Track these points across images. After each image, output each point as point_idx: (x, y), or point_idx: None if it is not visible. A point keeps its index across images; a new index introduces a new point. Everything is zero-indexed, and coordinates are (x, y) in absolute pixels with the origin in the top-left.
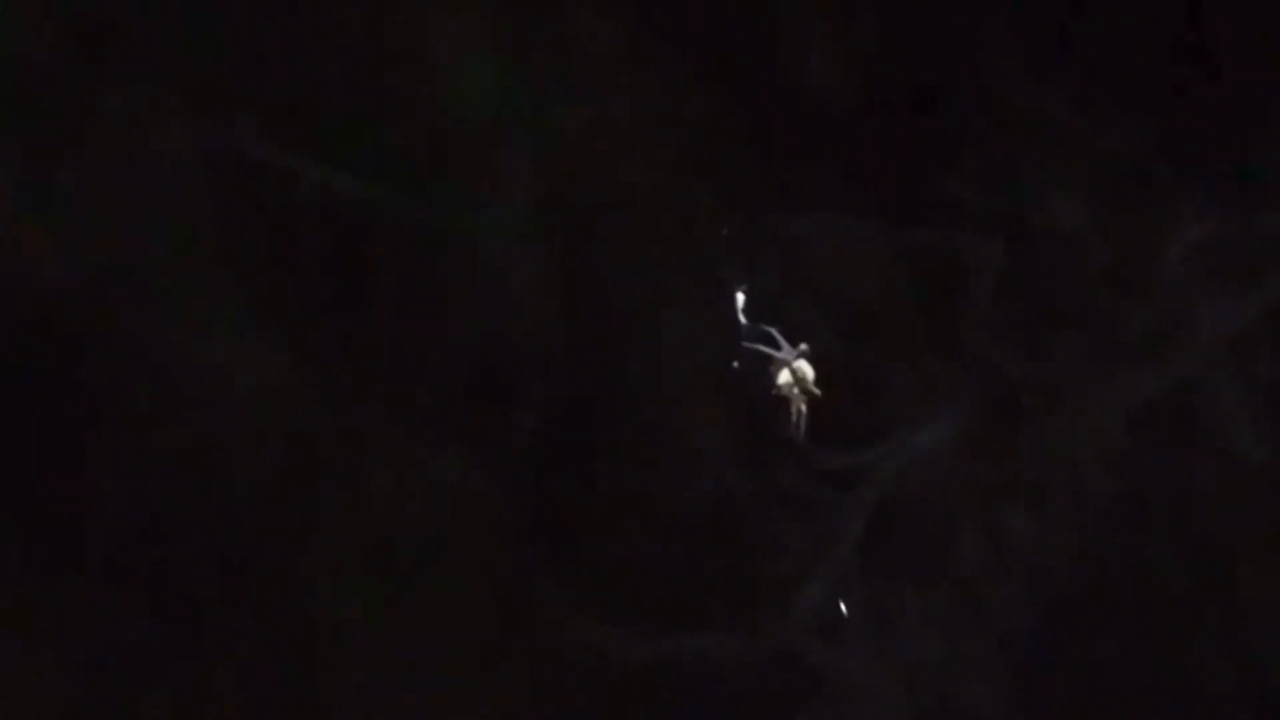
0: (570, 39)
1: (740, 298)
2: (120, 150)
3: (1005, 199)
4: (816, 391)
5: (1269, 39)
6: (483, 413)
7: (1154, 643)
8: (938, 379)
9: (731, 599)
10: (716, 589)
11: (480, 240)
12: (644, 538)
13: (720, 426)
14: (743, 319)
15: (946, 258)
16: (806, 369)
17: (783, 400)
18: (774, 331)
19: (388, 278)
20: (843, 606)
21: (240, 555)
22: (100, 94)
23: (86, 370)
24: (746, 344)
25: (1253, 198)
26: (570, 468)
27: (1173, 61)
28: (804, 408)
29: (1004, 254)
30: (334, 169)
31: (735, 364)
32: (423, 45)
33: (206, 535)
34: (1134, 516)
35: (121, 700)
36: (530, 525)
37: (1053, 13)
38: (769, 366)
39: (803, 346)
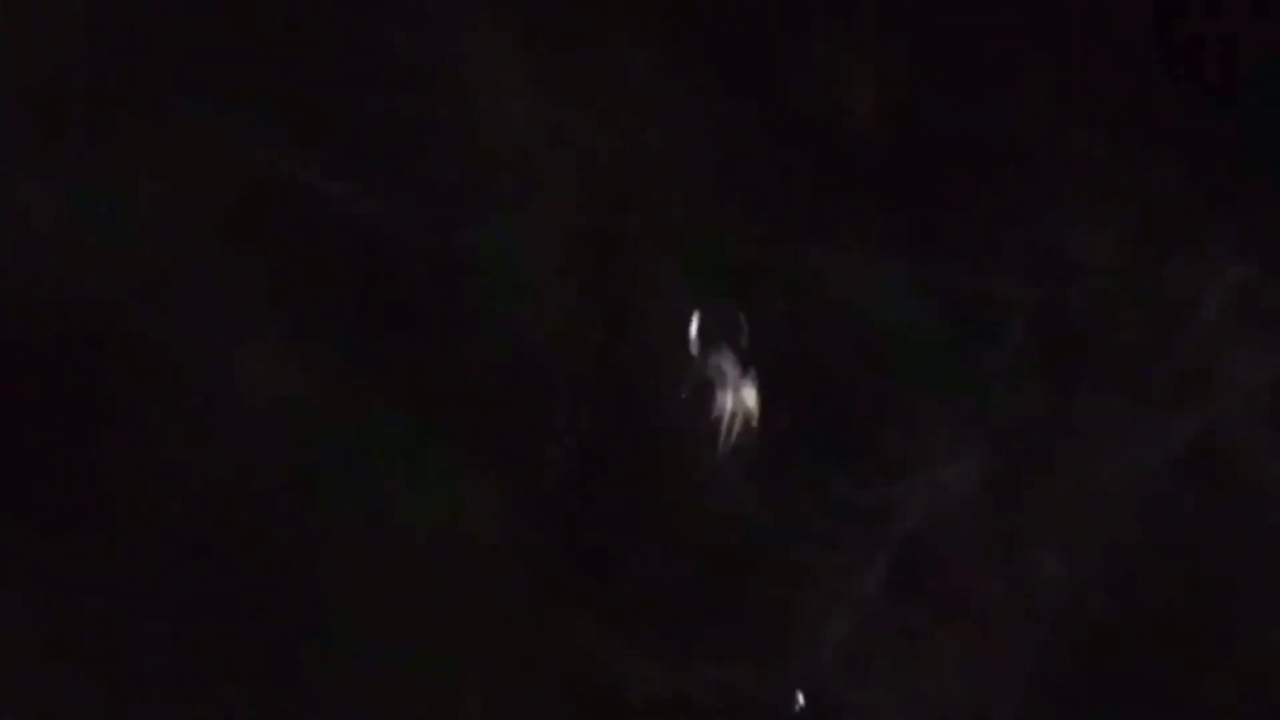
0: (606, 66)
1: (695, 323)
2: (154, 168)
3: (1037, 237)
4: (753, 423)
5: None
6: (511, 440)
7: (1181, 689)
8: (966, 417)
9: (756, 632)
10: (742, 622)
11: (513, 267)
12: (671, 569)
13: (750, 459)
14: (694, 345)
15: (977, 295)
16: (750, 399)
17: (719, 424)
18: (730, 355)
19: (419, 302)
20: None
21: (261, 573)
22: (136, 111)
23: (114, 386)
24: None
25: None
26: (598, 497)
27: (1210, 99)
28: (734, 436)
29: (1035, 293)
30: (367, 192)
31: (684, 395)
32: (459, 70)
33: (227, 552)
34: (1164, 562)
35: (130, 711)
36: (556, 554)
37: (1086, 49)
38: (715, 390)
39: (752, 376)
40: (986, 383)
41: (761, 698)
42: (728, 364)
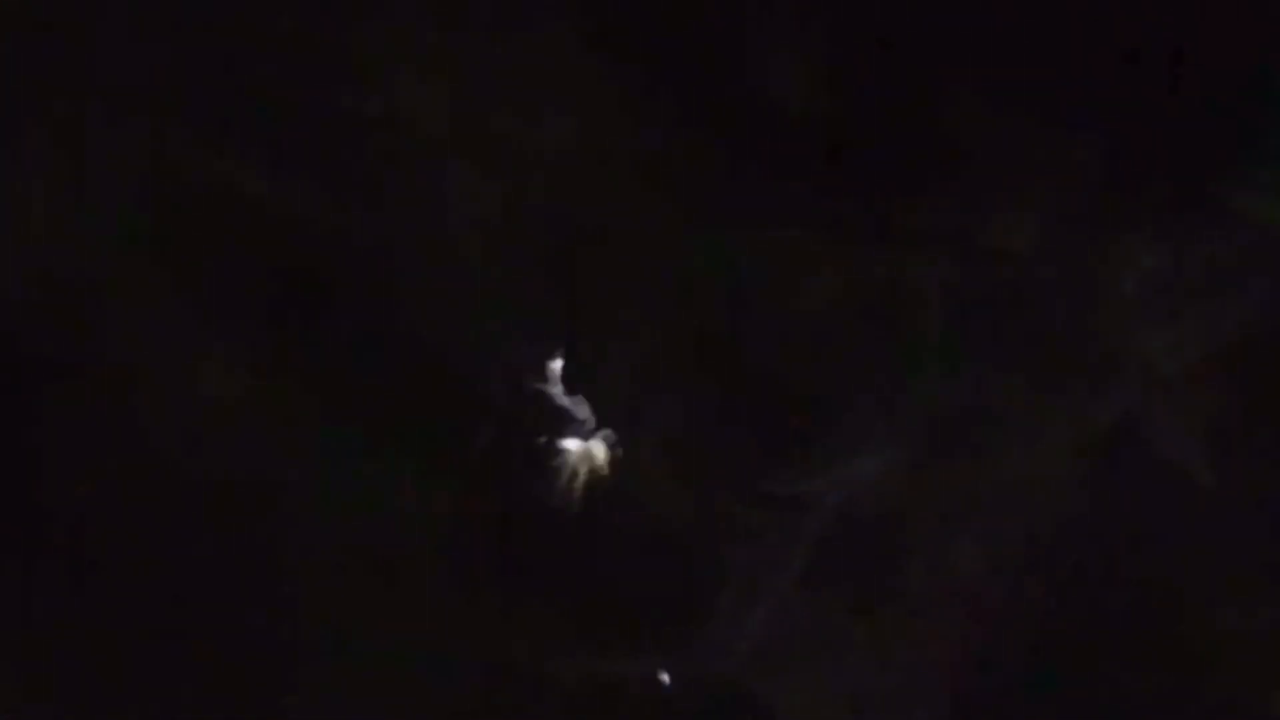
0: (527, 52)
1: (557, 367)
2: (70, 161)
3: (954, 221)
4: (601, 473)
5: (1233, 59)
6: (435, 428)
7: (1103, 675)
8: (886, 405)
9: (671, 623)
10: (656, 612)
11: (436, 256)
12: (581, 559)
13: (667, 448)
14: (561, 396)
15: (897, 280)
16: (599, 452)
17: (563, 470)
18: (587, 407)
19: (343, 293)
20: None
21: (203, 573)
22: (47, 102)
23: (40, 387)
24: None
25: (1210, 224)
26: (516, 487)
27: (1132, 83)
28: (578, 485)
29: (952, 277)
30: (288, 182)
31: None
32: (378, 57)
33: (167, 554)
34: (1083, 547)
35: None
36: (476, 542)
37: (1011, 31)
38: (563, 437)
39: (606, 432)
40: (903, 370)
41: (674, 690)
42: (583, 412)
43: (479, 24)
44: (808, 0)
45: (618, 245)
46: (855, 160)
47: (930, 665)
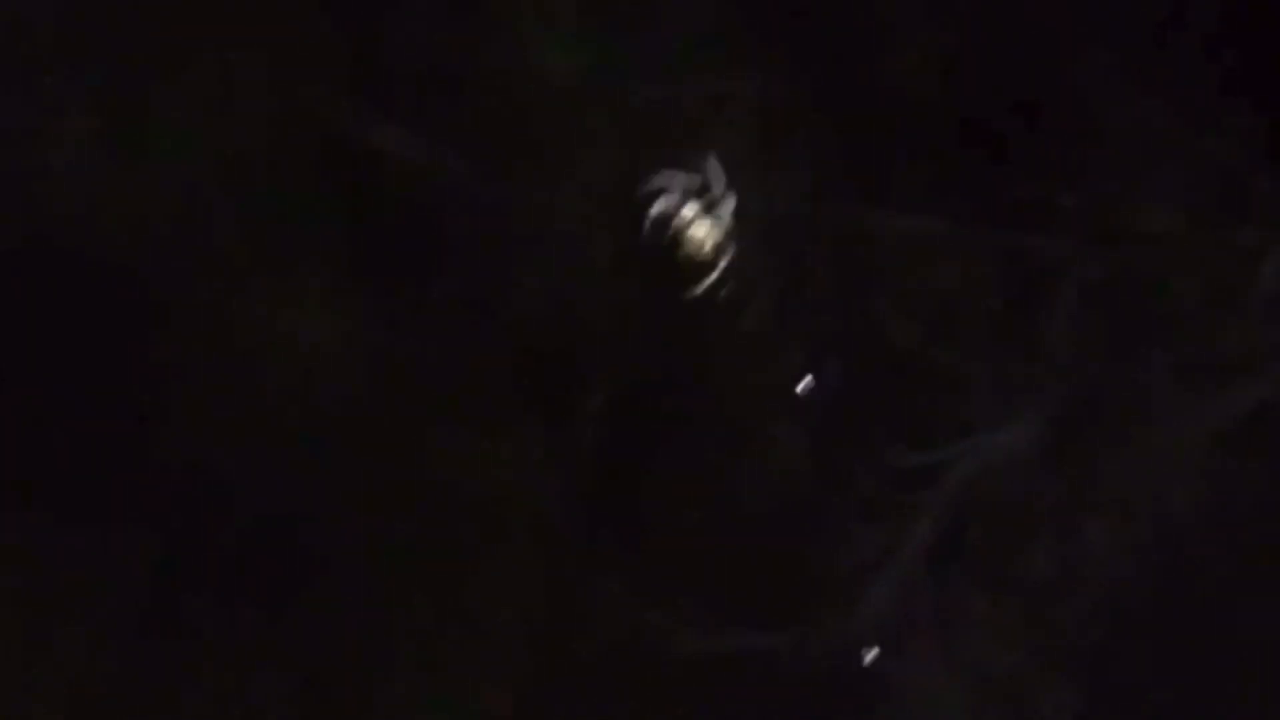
0: (657, 16)
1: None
2: (196, 109)
3: (1097, 204)
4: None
5: None
6: (549, 391)
7: (1230, 665)
8: (1019, 382)
9: (795, 596)
10: (780, 585)
11: (556, 215)
12: (708, 528)
13: (793, 417)
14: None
15: (1033, 260)
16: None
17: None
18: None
19: (460, 249)
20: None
21: (298, 526)
22: (180, 53)
23: (150, 333)
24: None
25: None
26: (635, 452)
27: (1276, 65)
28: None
29: (1094, 260)
30: (410, 135)
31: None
32: (506, 15)
33: (266, 505)
34: (1217, 536)
35: (171, 668)
36: (591, 509)
37: (1151, 16)
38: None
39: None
40: (1040, 348)
41: (797, 664)
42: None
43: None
44: None
45: (745, 213)
46: (984, 144)
47: (1055, 648)
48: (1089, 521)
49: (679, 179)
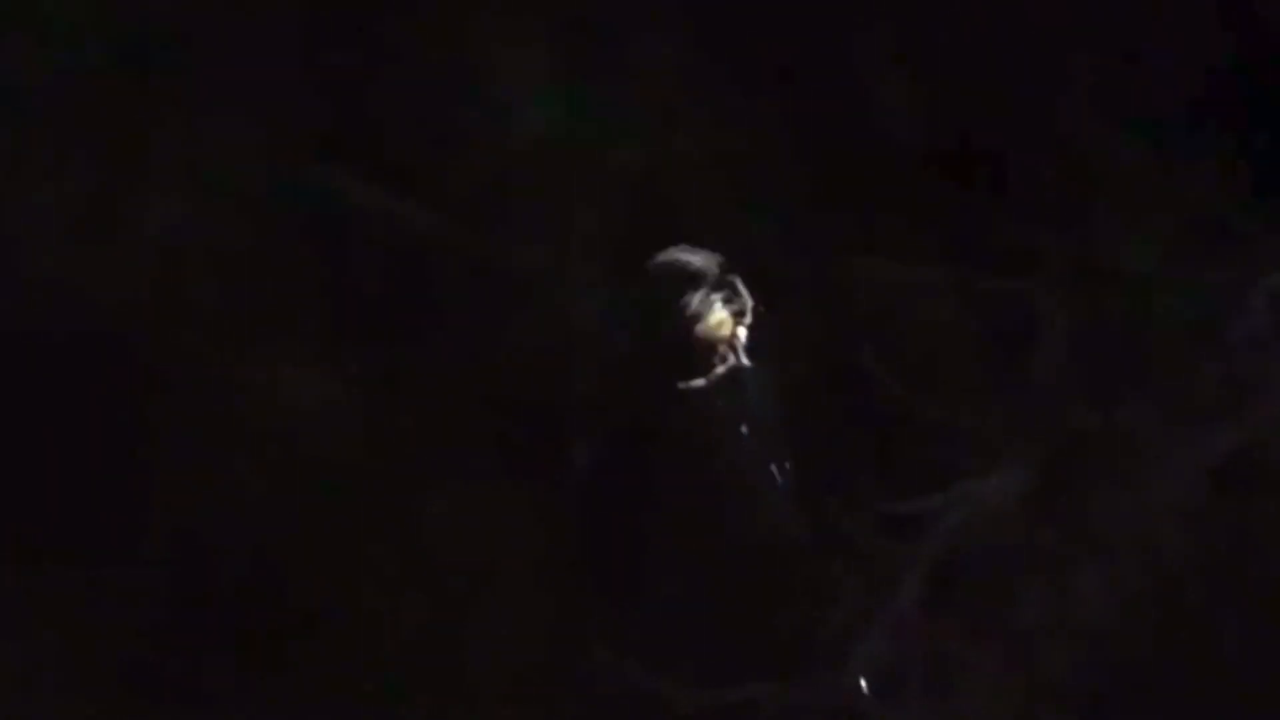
0: (636, 73)
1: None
2: (181, 176)
3: (1079, 247)
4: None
5: None
6: (536, 450)
7: (1222, 708)
8: (1005, 429)
9: (786, 649)
10: (770, 638)
11: (540, 274)
12: (697, 582)
13: (780, 470)
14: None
15: (1016, 305)
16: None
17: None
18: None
19: (446, 309)
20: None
21: (288, 582)
22: (162, 120)
23: (139, 395)
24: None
25: None
26: (623, 509)
27: (1256, 105)
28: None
29: (1076, 302)
30: (395, 198)
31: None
32: (487, 77)
33: (254, 562)
34: (1206, 577)
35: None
36: (581, 564)
37: (1129, 56)
38: (688, 294)
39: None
40: (1024, 393)
41: (788, 715)
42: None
43: (593, 45)
44: (924, 14)
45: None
46: (973, 186)
47: (1047, 695)
48: (1079, 567)
49: (699, 257)
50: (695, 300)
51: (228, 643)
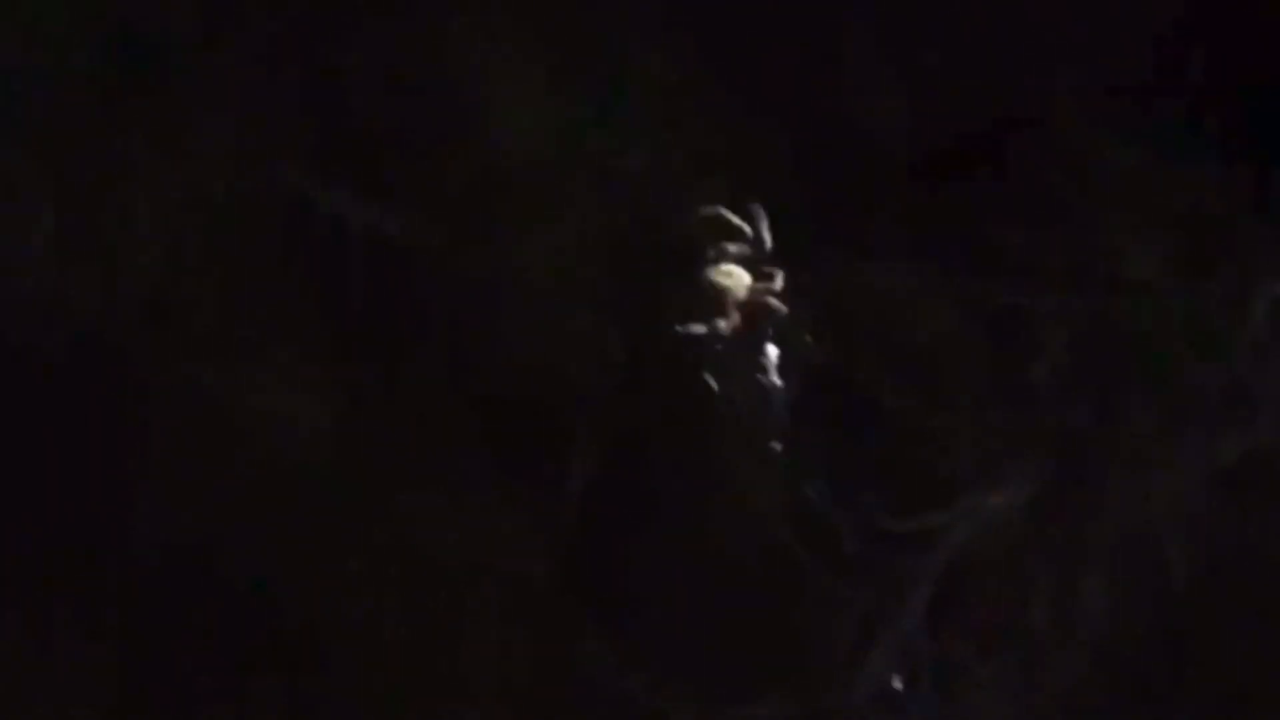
0: (627, 79)
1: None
2: (163, 187)
3: (1081, 254)
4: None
5: None
6: (530, 458)
7: (1228, 717)
8: (1007, 438)
9: (790, 665)
10: (774, 654)
11: (534, 283)
12: (698, 597)
13: (781, 482)
14: None
15: (1018, 312)
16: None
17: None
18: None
19: (438, 319)
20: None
21: (282, 590)
22: (143, 130)
23: (124, 410)
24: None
25: None
26: (621, 519)
27: (1257, 111)
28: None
29: (1079, 309)
30: (384, 209)
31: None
32: (477, 84)
33: (247, 571)
34: (1212, 585)
35: None
36: (577, 578)
37: (1129, 62)
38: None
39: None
40: (1027, 402)
41: None
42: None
43: (585, 51)
44: (920, 23)
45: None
46: (973, 192)
47: (1056, 705)
48: (1086, 578)
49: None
50: (719, 250)
51: (221, 650)
